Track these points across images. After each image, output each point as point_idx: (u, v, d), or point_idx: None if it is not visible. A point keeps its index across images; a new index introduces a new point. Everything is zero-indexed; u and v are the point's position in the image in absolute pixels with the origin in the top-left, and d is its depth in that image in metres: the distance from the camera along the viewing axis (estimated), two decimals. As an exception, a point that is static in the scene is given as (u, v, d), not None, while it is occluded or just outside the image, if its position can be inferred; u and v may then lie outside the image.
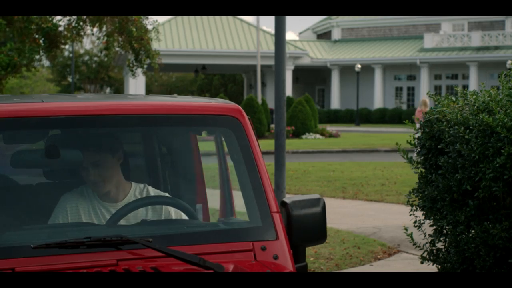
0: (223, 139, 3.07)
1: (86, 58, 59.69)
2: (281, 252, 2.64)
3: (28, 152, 3.17)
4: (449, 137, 4.50)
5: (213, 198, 3.62)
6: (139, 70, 15.28)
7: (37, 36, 13.65)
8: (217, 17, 43.21)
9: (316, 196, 2.81)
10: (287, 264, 2.61)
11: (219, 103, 2.95)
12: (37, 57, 14.45)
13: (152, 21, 14.77)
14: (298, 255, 2.76)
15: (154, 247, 2.45)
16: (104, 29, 14.18)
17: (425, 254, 5.02)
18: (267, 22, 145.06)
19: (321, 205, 2.77)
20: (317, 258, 7.45)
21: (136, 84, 37.62)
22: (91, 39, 48.00)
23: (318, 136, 29.52)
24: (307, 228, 2.73)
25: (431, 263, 5.03)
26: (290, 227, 2.71)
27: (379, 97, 45.32)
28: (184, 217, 2.94)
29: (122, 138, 3.33)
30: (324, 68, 47.14)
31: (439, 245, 5.00)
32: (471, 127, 4.36)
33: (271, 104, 34.85)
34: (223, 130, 2.88)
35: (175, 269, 2.46)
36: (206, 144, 3.59)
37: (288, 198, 2.79)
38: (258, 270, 2.54)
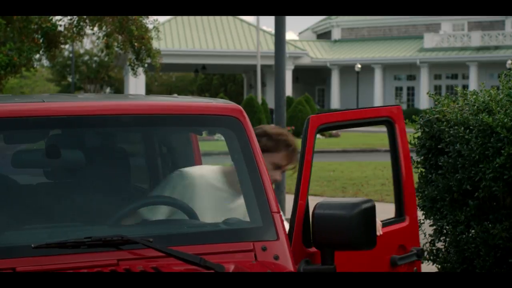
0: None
1: (86, 58, 59.68)
2: (281, 252, 2.63)
3: (29, 152, 3.17)
4: (449, 137, 4.50)
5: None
6: (140, 69, 15.29)
7: (36, 35, 13.66)
8: (217, 17, 43.23)
9: (360, 199, 2.65)
10: (288, 265, 2.61)
11: (220, 103, 2.95)
12: (37, 56, 14.45)
13: (152, 20, 14.79)
14: (324, 257, 2.68)
15: (155, 247, 2.45)
16: (104, 28, 14.19)
17: (425, 254, 5.03)
18: (267, 22, 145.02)
19: (357, 210, 2.59)
20: (317, 258, 7.46)
21: (136, 84, 37.62)
22: (91, 39, 48.02)
23: (318, 136, 29.45)
24: (333, 231, 2.61)
25: (431, 263, 5.03)
26: (312, 227, 2.66)
27: (379, 97, 45.30)
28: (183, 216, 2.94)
29: (123, 138, 3.33)
30: (324, 68, 47.13)
31: (439, 245, 5.00)
32: (471, 127, 4.36)
33: (271, 104, 34.82)
34: (223, 130, 2.88)
35: (175, 269, 2.45)
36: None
37: (328, 199, 2.73)
38: (258, 271, 2.53)
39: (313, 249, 2.76)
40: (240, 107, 2.88)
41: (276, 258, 2.61)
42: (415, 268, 3.22)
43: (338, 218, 2.60)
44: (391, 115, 3.29)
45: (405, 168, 3.29)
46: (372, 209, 2.64)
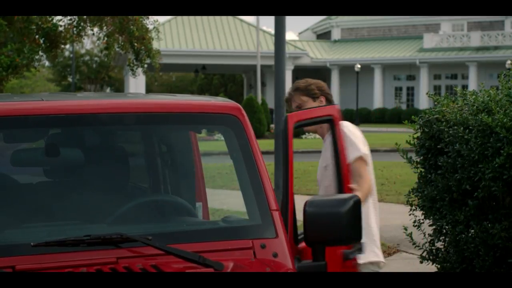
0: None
1: (87, 58, 59.71)
2: (280, 250, 2.63)
3: (28, 151, 3.17)
4: (448, 137, 4.51)
5: (216, 198, 3.60)
6: (140, 70, 15.31)
7: (37, 36, 13.67)
8: (217, 17, 43.23)
9: (346, 196, 2.70)
10: (287, 262, 2.61)
11: (219, 101, 2.96)
12: (37, 57, 14.46)
13: (152, 20, 14.82)
14: (315, 253, 2.68)
15: (154, 245, 2.45)
16: (104, 29, 14.20)
17: (424, 254, 5.03)
18: (267, 22, 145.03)
19: (347, 205, 2.62)
20: (317, 257, 7.45)
21: (136, 84, 37.64)
22: (91, 39, 48.05)
23: (317, 136, 29.48)
24: (324, 227, 2.62)
25: (431, 263, 5.04)
26: (304, 225, 2.69)
27: (378, 97, 45.32)
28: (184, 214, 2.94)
29: (122, 136, 3.33)
30: (323, 68, 47.14)
31: (439, 244, 5.01)
32: (470, 127, 4.36)
33: (271, 104, 34.81)
34: (222, 128, 2.89)
35: (174, 267, 2.46)
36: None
37: (316, 196, 2.75)
38: (257, 268, 2.54)
39: (301, 246, 2.78)
40: (239, 106, 2.88)
41: (275, 255, 2.61)
42: (354, 262, 3.29)
43: (330, 215, 2.61)
44: (334, 114, 3.28)
45: (343, 163, 3.27)
46: (359, 203, 2.67)
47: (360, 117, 43.16)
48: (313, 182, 14.03)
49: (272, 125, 25.47)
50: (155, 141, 3.55)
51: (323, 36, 52.13)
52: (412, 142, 5.02)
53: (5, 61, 12.68)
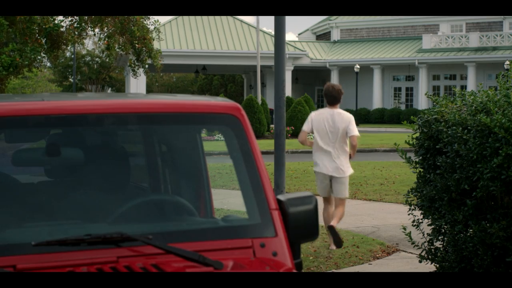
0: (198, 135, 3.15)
1: (88, 59, 59.73)
2: (280, 249, 2.65)
3: (29, 150, 3.18)
4: (447, 137, 4.52)
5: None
6: (141, 70, 15.34)
7: (39, 36, 13.70)
8: (217, 18, 43.31)
9: (308, 193, 2.83)
10: (286, 261, 2.63)
11: (219, 101, 2.97)
12: (39, 57, 14.49)
13: (153, 21, 14.85)
14: (293, 252, 2.75)
15: (154, 244, 2.47)
16: (105, 29, 14.24)
17: (423, 253, 5.05)
18: (267, 23, 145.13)
19: (314, 203, 2.79)
20: (317, 257, 7.47)
21: (137, 84, 37.70)
22: (93, 39, 48.07)
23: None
24: (302, 225, 2.74)
25: (429, 262, 5.06)
26: (286, 225, 2.72)
27: (378, 97, 45.35)
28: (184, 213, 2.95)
29: (123, 136, 3.35)
30: (323, 68, 47.17)
31: (437, 244, 5.03)
32: (469, 127, 4.38)
33: (271, 104, 34.86)
34: (222, 128, 2.90)
35: (174, 266, 2.47)
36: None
37: (282, 196, 2.81)
38: (257, 267, 2.55)
39: None
40: (239, 105, 2.90)
41: (275, 254, 2.63)
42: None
43: (307, 213, 2.75)
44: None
45: None
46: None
47: (360, 117, 43.18)
48: (313, 182, 14.05)
49: (272, 125, 25.48)
50: (156, 141, 3.56)
51: (323, 36, 52.16)
52: (411, 142, 5.05)
53: (6, 61, 12.71)
